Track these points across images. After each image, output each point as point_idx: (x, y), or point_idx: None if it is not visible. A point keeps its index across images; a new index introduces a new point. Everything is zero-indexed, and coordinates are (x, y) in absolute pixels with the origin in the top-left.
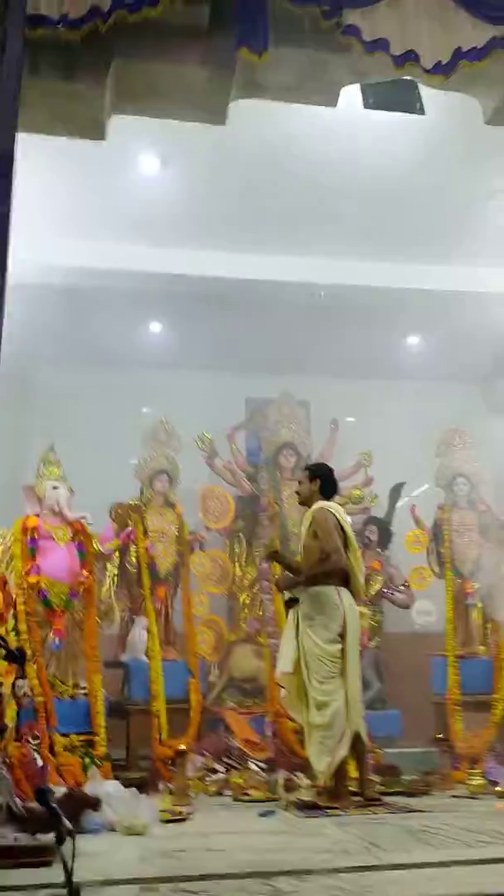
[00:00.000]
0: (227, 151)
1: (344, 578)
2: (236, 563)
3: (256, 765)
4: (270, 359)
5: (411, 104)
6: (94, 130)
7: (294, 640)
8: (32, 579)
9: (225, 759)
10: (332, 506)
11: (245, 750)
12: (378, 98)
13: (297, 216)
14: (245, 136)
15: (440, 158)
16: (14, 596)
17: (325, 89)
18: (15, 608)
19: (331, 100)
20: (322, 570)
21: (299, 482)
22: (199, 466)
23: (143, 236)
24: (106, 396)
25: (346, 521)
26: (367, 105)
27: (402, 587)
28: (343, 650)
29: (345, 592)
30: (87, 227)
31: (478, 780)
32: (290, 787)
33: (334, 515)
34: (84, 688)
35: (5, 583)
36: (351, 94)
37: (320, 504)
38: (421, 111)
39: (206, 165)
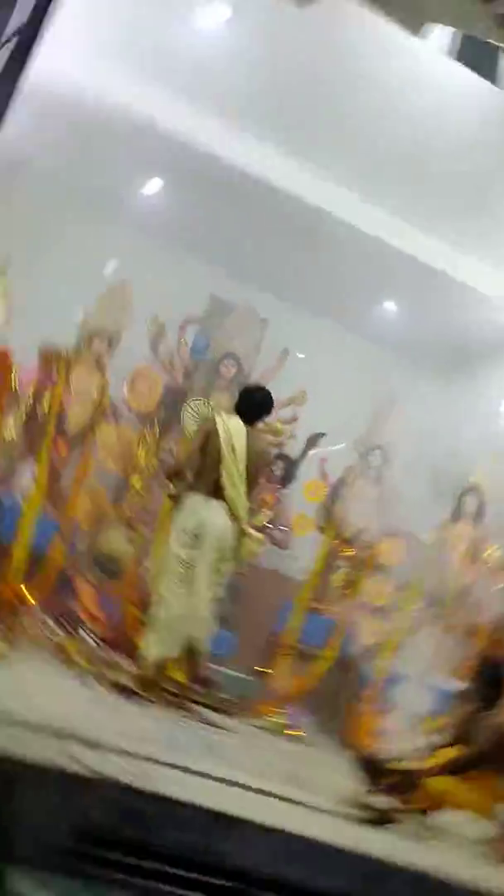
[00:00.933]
0: (305, 32)
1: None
2: (141, 449)
3: (91, 637)
4: (251, 266)
5: (493, 74)
6: None
7: None
8: None
9: (62, 621)
10: (222, 420)
11: (84, 620)
12: (465, 52)
13: (342, 135)
14: (330, 24)
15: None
16: None
17: (412, 16)
18: None
19: (414, 27)
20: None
21: None
22: (142, 344)
23: (177, 91)
24: (80, 234)
25: (234, 436)
26: (451, 54)
27: (282, 527)
28: (193, 559)
29: (214, 505)
30: (123, 58)
31: (279, 720)
32: (113, 666)
33: (208, 425)
34: None
35: None
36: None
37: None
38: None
39: (275, 40)
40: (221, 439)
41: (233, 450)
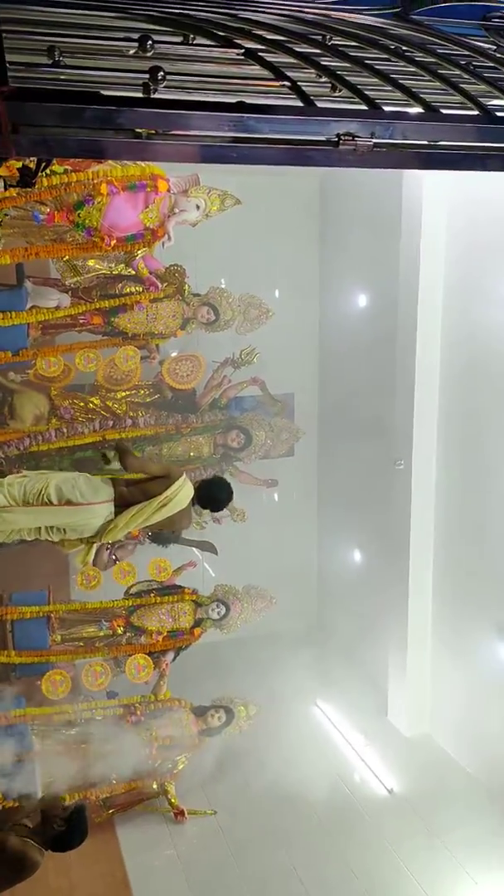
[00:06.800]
0: None
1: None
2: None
3: None
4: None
5: None
6: None
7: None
8: None
9: None
10: (181, 483)
11: None
12: None
13: None
14: None
15: None
16: None
17: None
18: None
19: None
20: None
21: None
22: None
23: None
24: None
25: (175, 502)
26: None
27: (115, 558)
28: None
29: (104, 507)
30: None
31: None
32: None
33: (174, 473)
34: None
35: None
36: None
37: None
38: None
39: None
40: (167, 493)
41: (163, 506)
